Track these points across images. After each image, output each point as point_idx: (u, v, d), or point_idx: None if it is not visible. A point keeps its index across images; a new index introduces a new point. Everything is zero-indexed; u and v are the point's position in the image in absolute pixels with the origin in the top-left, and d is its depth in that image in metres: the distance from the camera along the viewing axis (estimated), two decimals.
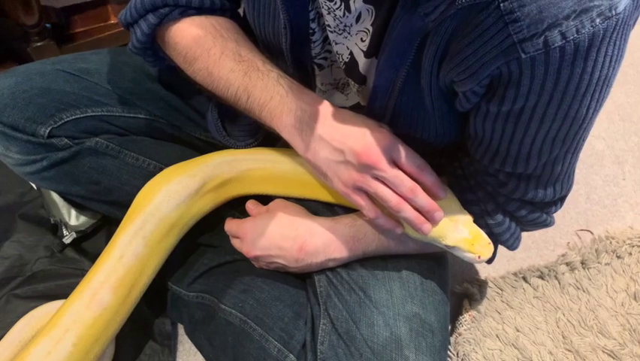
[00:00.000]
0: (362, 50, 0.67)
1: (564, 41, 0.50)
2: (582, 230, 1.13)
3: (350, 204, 0.78)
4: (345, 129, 0.65)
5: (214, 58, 0.73)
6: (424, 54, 0.59)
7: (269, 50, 0.78)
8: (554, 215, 0.74)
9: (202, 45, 0.74)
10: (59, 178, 0.84)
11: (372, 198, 0.68)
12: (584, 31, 0.50)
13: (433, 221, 0.67)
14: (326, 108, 0.67)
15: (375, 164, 0.64)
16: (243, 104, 0.72)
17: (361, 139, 0.64)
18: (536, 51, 0.51)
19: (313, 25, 0.70)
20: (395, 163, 0.65)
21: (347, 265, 0.76)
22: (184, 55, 0.75)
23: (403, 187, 0.64)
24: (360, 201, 0.68)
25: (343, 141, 0.65)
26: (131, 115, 0.85)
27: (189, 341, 0.90)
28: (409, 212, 0.66)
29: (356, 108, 0.80)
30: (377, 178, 0.65)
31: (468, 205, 0.70)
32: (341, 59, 0.71)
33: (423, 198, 0.65)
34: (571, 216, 1.14)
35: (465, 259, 0.68)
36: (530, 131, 0.60)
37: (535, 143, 0.62)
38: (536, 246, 1.09)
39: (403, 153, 0.65)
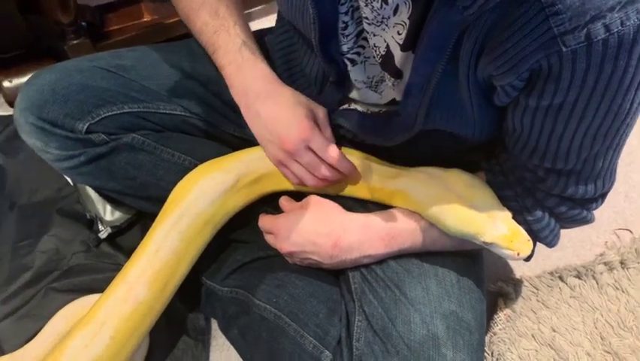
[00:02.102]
0: (398, 44, 0.66)
1: (607, 34, 0.49)
2: (621, 229, 1.10)
3: (384, 202, 0.78)
4: (278, 114, 0.75)
5: (194, 6, 0.81)
6: (462, 48, 0.58)
7: (304, 41, 0.78)
8: (594, 211, 0.72)
9: None
10: (96, 173, 0.85)
11: None
12: (628, 24, 0.49)
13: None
14: (270, 87, 0.77)
15: (294, 152, 0.74)
16: (210, 54, 0.82)
17: (286, 127, 0.74)
18: (578, 44, 0.50)
19: (346, 19, 0.70)
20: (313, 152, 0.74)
21: (381, 261, 0.76)
22: None
23: (317, 172, 0.75)
24: (286, 172, 0.78)
25: (273, 124, 0.75)
26: (167, 112, 0.86)
27: (223, 336, 0.91)
28: (322, 185, 0.77)
29: (391, 105, 0.79)
30: (296, 161, 0.75)
31: (506, 201, 0.69)
32: (377, 52, 0.70)
33: (337, 175, 0.76)
34: (609, 215, 1.12)
35: (503, 256, 0.67)
36: (570, 127, 0.59)
37: (575, 138, 0.60)
38: (572, 245, 1.07)
39: (319, 146, 0.74)
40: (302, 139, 0.73)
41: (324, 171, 0.75)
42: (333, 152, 0.74)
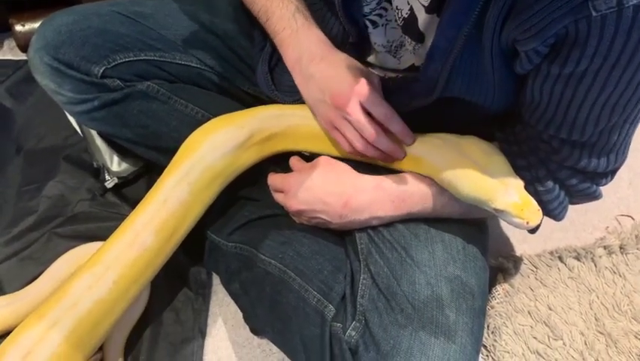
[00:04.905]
0: (423, 6, 0.66)
1: None
2: (623, 215, 1.11)
3: (393, 167, 0.78)
4: (332, 72, 0.74)
5: None
6: (489, 11, 0.58)
7: (325, 3, 0.78)
8: (602, 188, 0.73)
9: None
10: (109, 120, 0.85)
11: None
12: None
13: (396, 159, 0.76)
14: (325, 50, 0.76)
15: (344, 108, 0.72)
16: (262, 23, 0.81)
17: (339, 83, 0.72)
18: (608, 9, 0.50)
19: None
20: (365, 110, 0.72)
21: (389, 224, 0.76)
22: None
23: (366, 131, 0.72)
24: (336, 136, 0.76)
25: (326, 82, 0.74)
26: (183, 62, 0.86)
27: (223, 291, 0.91)
28: (371, 153, 0.74)
29: (409, 71, 0.79)
30: (347, 120, 0.73)
31: (519, 171, 0.69)
32: (400, 15, 0.70)
33: (384, 143, 0.73)
34: (612, 201, 1.12)
35: (512, 224, 0.67)
36: (590, 96, 0.59)
37: (594, 109, 0.60)
38: (574, 227, 1.08)
39: (371, 101, 0.71)
40: (355, 92, 0.71)
41: (374, 131, 0.72)
42: (386, 108, 0.72)
